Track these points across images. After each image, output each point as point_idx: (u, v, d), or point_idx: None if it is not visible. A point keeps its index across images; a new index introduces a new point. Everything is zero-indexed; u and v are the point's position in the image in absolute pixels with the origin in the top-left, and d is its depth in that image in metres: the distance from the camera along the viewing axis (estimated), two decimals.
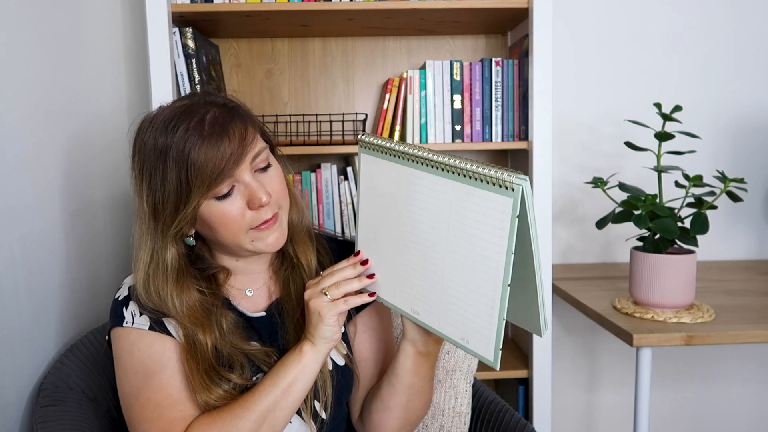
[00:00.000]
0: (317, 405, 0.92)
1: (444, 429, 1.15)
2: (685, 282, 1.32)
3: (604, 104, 1.91)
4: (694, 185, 1.33)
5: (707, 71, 1.92)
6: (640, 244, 1.37)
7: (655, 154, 1.38)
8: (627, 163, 1.84)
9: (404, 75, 1.65)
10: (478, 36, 1.85)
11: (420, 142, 1.65)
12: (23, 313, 1.05)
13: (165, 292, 0.87)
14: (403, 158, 0.81)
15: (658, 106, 1.39)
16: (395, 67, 1.85)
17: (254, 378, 0.90)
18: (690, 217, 1.31)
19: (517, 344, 1.86)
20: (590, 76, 1.90)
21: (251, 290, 0.98)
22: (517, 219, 0.67)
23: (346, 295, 0.86)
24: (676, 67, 1.91)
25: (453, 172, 0.74)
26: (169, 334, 0.89)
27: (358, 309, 1.01)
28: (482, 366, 1.67)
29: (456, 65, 1.64)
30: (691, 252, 1.34)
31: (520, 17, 1.64)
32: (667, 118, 1.36)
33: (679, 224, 1.31)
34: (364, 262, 0.89)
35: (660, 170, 1.36)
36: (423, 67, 1.64)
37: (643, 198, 1.32)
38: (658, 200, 1.35)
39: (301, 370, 0.86)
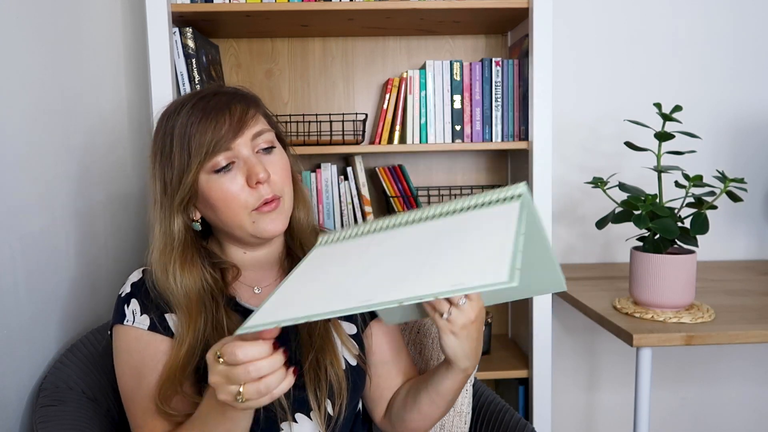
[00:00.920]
0: (329, 406, 0.91)
1: (444, 428, 1.15)
2: (685, 282, 1.32)
3: (604, 104, 1.91)
4: (694, 185, 1.33)
5: (707, 71, 1.92)
6: (640, 244, 1.37)
7: (655, 154, 1.38)
8: (627, 163, 1.84)
9: (404, 75, 1.65)
10: (478, 36, 1.85)
11: (420, 142, 1.65)
12: (23, 313, 1.05)
13: (170, 267, 0.89)
14: (373, 232, 0.79)
15: (658, 106, 1.39)
16: (395, 67, 1.85)
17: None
18: (690, 217, 1.31)
19: (517, 344, 1.86)
20: (590, 76, 1.90)
21: (259, 288, 0.98)
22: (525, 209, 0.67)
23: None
24: (676, 67, 1.91)
25: (448, 215, 0.73)
26: (169, 332, 0.89)
27: (372, 314, 1.00)
28: (482, 366, 1.67)
29: (456, 65, 1.64)
30: (691, 252, 1.34)
31: (520, 17, 1.64)
32: (667, 118, 1.36)
33: (679, 224, 1.31)
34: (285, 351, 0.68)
35: (660, 170, 1.36)
36: (423, 67, 1.64)
37: (643, 198, 1.32)
38: (658, 200, 1.35)
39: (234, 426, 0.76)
